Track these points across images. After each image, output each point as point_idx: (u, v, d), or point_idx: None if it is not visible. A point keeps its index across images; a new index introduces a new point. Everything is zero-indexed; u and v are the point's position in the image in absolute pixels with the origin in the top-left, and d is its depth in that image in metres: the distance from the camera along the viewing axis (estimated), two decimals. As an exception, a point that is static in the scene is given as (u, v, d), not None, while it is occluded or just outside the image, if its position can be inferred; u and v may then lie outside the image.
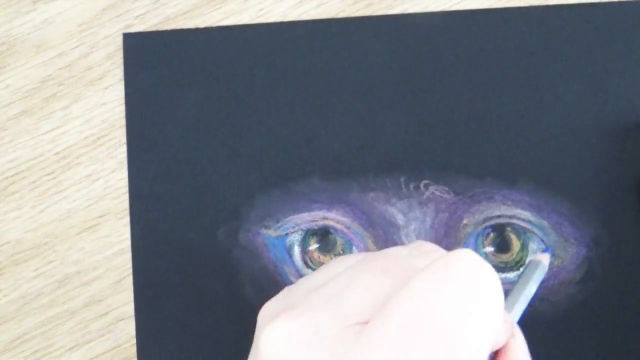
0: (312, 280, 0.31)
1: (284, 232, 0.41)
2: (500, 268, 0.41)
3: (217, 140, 0.42)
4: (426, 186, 0.41)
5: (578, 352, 0.40)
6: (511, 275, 0.41)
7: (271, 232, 0.42)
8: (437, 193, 0.41)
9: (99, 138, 0.43)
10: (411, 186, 0.41)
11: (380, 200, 0.41)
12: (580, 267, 0.41)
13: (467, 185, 0.41)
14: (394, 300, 0.27)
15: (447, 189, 0.41)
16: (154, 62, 0.43)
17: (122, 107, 0.43)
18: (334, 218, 0.41)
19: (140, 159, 0.43)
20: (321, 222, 0.41)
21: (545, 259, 0.37)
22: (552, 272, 0.41)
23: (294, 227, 0.41)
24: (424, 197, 0.41)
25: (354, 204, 0.41)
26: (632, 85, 0.41)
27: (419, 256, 0.31)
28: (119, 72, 0.43)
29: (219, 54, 0.43)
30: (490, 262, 0.41)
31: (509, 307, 0.34)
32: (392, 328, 0.27)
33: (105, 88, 0.44)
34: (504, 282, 0.41)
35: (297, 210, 0.41)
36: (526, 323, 0.40)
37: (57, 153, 0.43)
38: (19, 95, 0.44)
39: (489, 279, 0.29)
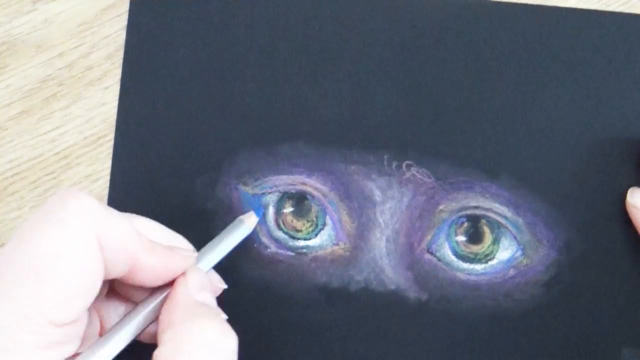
0: None
1: (261, 191, 0.42)
2: (469, 259, 0.41)
3: (210, 91, 0.43)
4: (408, 167, 0.41)
5: (534, 352, 0.40)
6: (479, 267, 0.41)
7: (248, 189, 0.42)
8: (418, 175, 0.41)
9: (99, 138, 0.43)
10: (393, 165, 0.41)
11: (361, 174, 0.41)
12: (549, 270, 0.40)
13: (449, 172, 0.41)
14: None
15: (428, 172, 0.41)
16: (159, 6, 0.43)
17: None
18: (313, 185, 0.41)
19: (132, 96, 0.43)
20: (299, 187, 0.41)
21: (250, 219, 0.38)
22: (520, 270, 0.41)
23: (271, 188, 0.42)
24: (405, 177, 0.41)
25: (335, 174, 0.41)
26: (628, 99, 0.42)
27: None
28: (119, 72, 0.43)
29: (223, 7, 0.43)
30: (461, 251, 0.41)
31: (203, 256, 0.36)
32: None
33: (106, 88, 0.44)
34: (470, 274, 0.41)
35: (278, 172, 0.42)
36: (486, 316, 0.40)
37: (57, 153, 0.43)
38: (19, 95, 0.44)
39: (82, 206, 0.32)
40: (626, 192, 0.40)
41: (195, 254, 0.36)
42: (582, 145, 0.41)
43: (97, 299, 0.34)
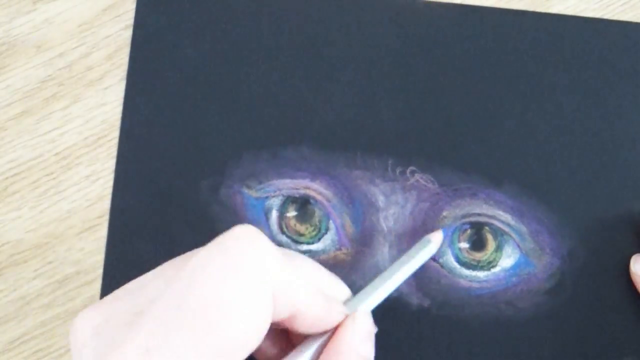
0: (137, 278, 0.32)
1: (265, 195, 0.42)
2: (472, 266, 0.41)
3: (215, 94, 0.43)
4: (412, 173, 0.41)
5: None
6: (481, 274, 0.41)
7: (252, 193, 0.42)
8: (422, 181, 0.41)
9: (99, 138, 0.43)
10: (397, 170, 0.41)
11: (365, 179, 0.41)
12: (552, 278, 0.40)
13: (453, 179, 0.41)
14: (169, 284, 0.29)
15: (432, 178, 0.41)
16: (166, 6, 0.43)
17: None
18: (316, 189, 0.41)
19: (137, 98, 0.43)
20: (303, 191, 0.41)
21: (436, 238, 0.38)
22: (522, 278, 0.41)
23: (275, 192, 0.42)
24: (408, 183, 0.41)
25: (338, 179, 0.41)
26: (634, 108, 0.42)
27: None
28: (119, 73, 0.44)
29: (230, 10, 0.43)
30: (463, 258, 0.41)
31: (366, 293, 0.35)
32: (159, 310, 0.28)
33: (105, 88, 0.44)
34: (473, 281, 0.41)
35: (281, 175, 0.42)
36: (488, 324, 0.40)
37: (57, 153, 0.43)
38: (19, 95, 0.44)
39: (259, 253, 0.30)
40: (630, 202, 0.40)
41: (347, 309, 0.34)
42: (587, 154, 0.41)
43: None
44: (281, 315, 0.31)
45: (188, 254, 0.32)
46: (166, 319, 0.28)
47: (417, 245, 0.38)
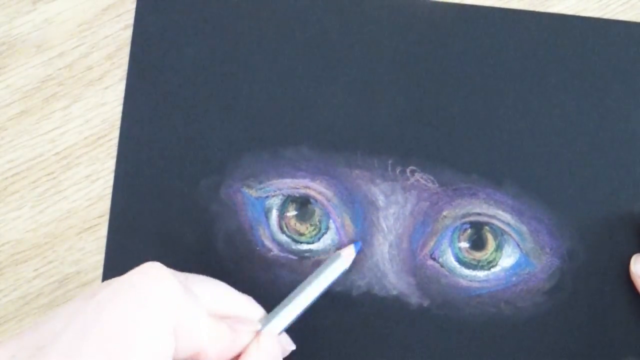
0: (48, 313, 0.34)
1: (265, 195, 0.42)
2: (472, 265, 0.41)
3: (215, 94, 0.43)
4: (412, 172, 0.41)
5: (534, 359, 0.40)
6: (481, 274, 0.41)
7: (252, 192, 0.42)
8: (422, 181, 0.41)
9: (99, 138, 0.43)
10: (397, 170, 0.41)
11: (365, 179, 0.41)
12: (551, 278, 0.40)
13: (453, 178, 0.41)
14: (75, 316, 0.30)
15: (432, 178, 0.41)
16: (166, 6, 0.43)
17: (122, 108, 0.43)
18: (316, 189, 0.41)
19: (137, 97, 0.43)
20: (303, 191, 0.41)
21: (347, 252, 0.38)
22: (522, 278, 0.41)
23: (275, 191, 0.42)
24: (409, 182, 0.41)
25: (338, 179, 0.41)
26: (633, 108, 0.42)
27: None
28: (119, 72, 0.44)
29: (230, 9, 0.43)
30: (463, 258, 0.41)
31: (272, 315, 0.35)
32: (63, 342, 0.29)
33: (105, 88, 0.44)
34: (473, 280, 0.41)
35: (282, 175, 0.42)
36: (488, 323, 0.40)
37: (57, 153, 0.43)
38: (19, 95, 0.44)
39: (163, 290, 0.31)
40: (630, 202, 0.40)
41: (259, 326, 0.35)
42: (587, 154, 0.41)
43: None
44: (185, 352, 0.32)
45: (96, 287, 0.32)
46: (70, 351, 0.29)
47: (328, 261, 0.38)
